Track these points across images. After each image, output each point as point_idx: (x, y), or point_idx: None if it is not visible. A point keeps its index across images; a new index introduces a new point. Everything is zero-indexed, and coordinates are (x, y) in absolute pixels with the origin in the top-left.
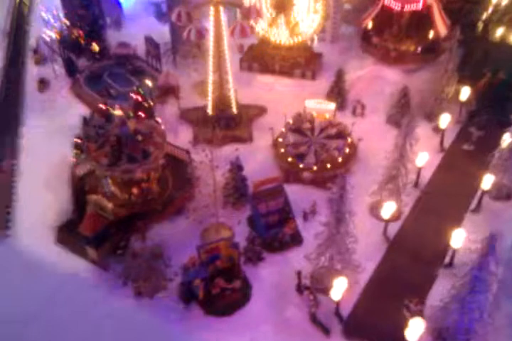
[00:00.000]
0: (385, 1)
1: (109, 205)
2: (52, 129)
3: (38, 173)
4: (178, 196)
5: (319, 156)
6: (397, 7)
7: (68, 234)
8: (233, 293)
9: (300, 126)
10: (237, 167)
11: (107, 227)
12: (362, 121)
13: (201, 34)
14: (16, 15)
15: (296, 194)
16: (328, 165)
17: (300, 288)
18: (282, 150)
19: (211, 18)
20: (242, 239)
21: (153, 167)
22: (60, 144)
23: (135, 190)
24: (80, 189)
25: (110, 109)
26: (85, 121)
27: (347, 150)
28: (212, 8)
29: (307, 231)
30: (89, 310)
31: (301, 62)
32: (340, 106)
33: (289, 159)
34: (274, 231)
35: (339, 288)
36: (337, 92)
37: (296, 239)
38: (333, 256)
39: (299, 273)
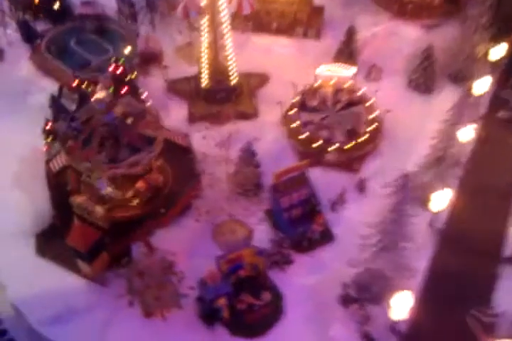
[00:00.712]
0: None
1: (99, 210)
2: (14, 112)
3: (4, 170)
4: (182, 192)
5: (341, 131)
6: None
7: (50, 243)
8: (263, 307)
9: (313, 99)
10: (250, 154)
11: (101, 238)
12: (378, 86)
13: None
14: None
15: (319, 180)
16: (354, 142)
17: (345, 301)
18: (294, 127)
19: None
20: (261, 237)
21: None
22: (27, 131)
23: (141, 185)
24: (59, 187)
25: (83, 84)
26: (54, 100)
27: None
28: None
29: (337, 223)
30: (89, 338)
31: (302, 19)
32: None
33: (304, 137)
34: (302, 229)
35: (402, 305)
36: (348, 54)
37: (327, 236)
38: (383, 262)
39: (345, 286)
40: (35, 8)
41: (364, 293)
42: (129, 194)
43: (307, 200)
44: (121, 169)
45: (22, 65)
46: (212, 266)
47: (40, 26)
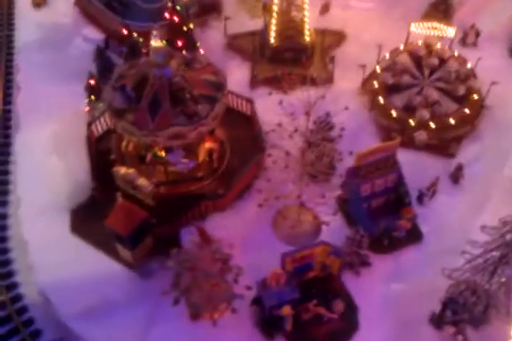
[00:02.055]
0: None
1: (147, 185)
2: (54, 65)
3: (39, 132)
4: (244, 171)
5: (436, 109)
6: None
7: (88, 220)
8: (333, 320)
9: (405, 62)
10: (326, 125)
11: (147, 219)
12: (476, 53)
13: None
14: None
15: (406, 165)
16: (452, 121)
17: (438, 321)
18: (380, 99)
19: None
20: (332, 232)
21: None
22: (66, 87)
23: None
24: (101, 155)
25: (133, 33)
26: (100, 52)
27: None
28: None
29: (425, 220)
30: (125, 338)
31: None
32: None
33: (393, 113)
34: (385, 224)
35: None
36: (443, 10)
37: (414, 235)
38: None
39: (443, 305)
40: None
41: (463, 314)
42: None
43: (394, 189)
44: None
45: (66, 10)
46: (275, 264)
47: None
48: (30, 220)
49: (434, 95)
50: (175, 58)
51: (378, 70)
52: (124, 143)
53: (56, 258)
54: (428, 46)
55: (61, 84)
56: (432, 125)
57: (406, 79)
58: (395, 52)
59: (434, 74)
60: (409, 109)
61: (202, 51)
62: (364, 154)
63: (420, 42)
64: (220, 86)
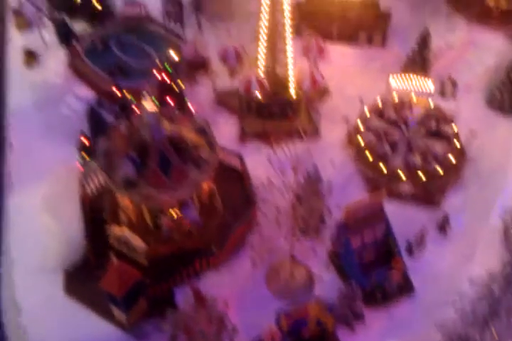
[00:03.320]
0: None
1: (142, 245)
2: (47, 125)
3: (33, 190)
4: (236, 226)
5: (423, 161)
6: None
7: (82, 281)
8: None
9: (387, 115)
10: (316, 180)
11: (141, 280)
12: (454, 104)
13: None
14: None
15: (393, 216)
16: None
17: None
18: (362, 148)
19: None
20: (325, 286)
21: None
22: (59, 147)
23: (166, 220)
24: (94, 214)
25: (124, 93)
26: (92, 113)
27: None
28: None
29: (416, 271)
30: None
31: (366, 24)
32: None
33: (376, 162)
34: (376, 276)
35: None
36: (420, 64)
37: (405, 287)
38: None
39: None
40: (74, 7)
41: None
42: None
43: (383, 240)
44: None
45: (58, 69)
46: (270, 321)
47: (78, 27)
48: (22, 281)
49: (417, 158)
50: (164, 115)
51: (361, 128)
52: (120, 203)
53: (49, 320)
54: (405, 100)
55: (54, 143)
56: (414, 176)
57: (387, 137)
58: (372, 109)
59: (414, 127)
60: (391, 167)
61: (191, 106)
62: (352, 208)
63: (397, 96)
64: (204, 130)
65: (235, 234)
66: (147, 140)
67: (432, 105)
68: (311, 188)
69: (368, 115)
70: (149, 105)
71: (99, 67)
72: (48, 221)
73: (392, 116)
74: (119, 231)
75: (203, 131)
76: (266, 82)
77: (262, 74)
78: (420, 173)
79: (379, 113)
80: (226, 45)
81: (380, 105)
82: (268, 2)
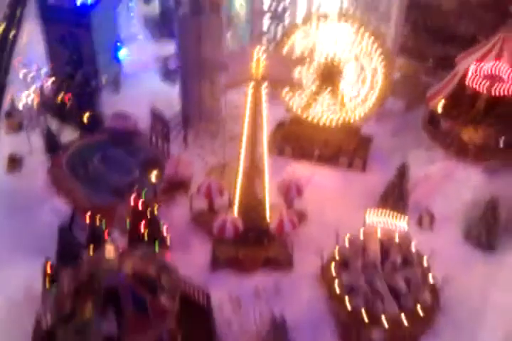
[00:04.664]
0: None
1: None
2: (15, 236)
3: None
4: None
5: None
6: (482, 89)
7: None
8: None
9: (358, 255)
10: (282, 330)
11: None
12: (431, 236)
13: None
14: None
15: None
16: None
17: None
18: (335, 288)
19: (249, 95)
20: None
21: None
22: (24, 264)
23: None
24: None
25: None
26: (62, 234)
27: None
28: (252, 85)
29: None
30: None
31: (347, 148)
32: (401, 214)
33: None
34: None
35: None
36: (398, 195)
37: None
38: None
39: None
40: (64, 114)
41: None
42: None
43: None
44: None
45: (38, 178)
46: None
47: (67, 134)
48: None
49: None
50: (131, 259)
51: (333, 272)
52: None
53: None
54: (384, 236)
55: (19, 259)
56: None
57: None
58: (350, 240)
59: (388, 266)
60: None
61: (165, 228)
62: None
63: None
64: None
65: None
66: (109, 285)
67: (405, 242)
68: (276, 336)
69: (341, 251)
70: (110, 252)
71: (79, 180)
72: None
73: (364, 254)
74: None
75: (166, 269)
76: (240, 223)
77: (236, 212)
78: (384, 320)
79: (351, 250)
80: (210, 180)
81: (353, 240)
82: (247, 129)
